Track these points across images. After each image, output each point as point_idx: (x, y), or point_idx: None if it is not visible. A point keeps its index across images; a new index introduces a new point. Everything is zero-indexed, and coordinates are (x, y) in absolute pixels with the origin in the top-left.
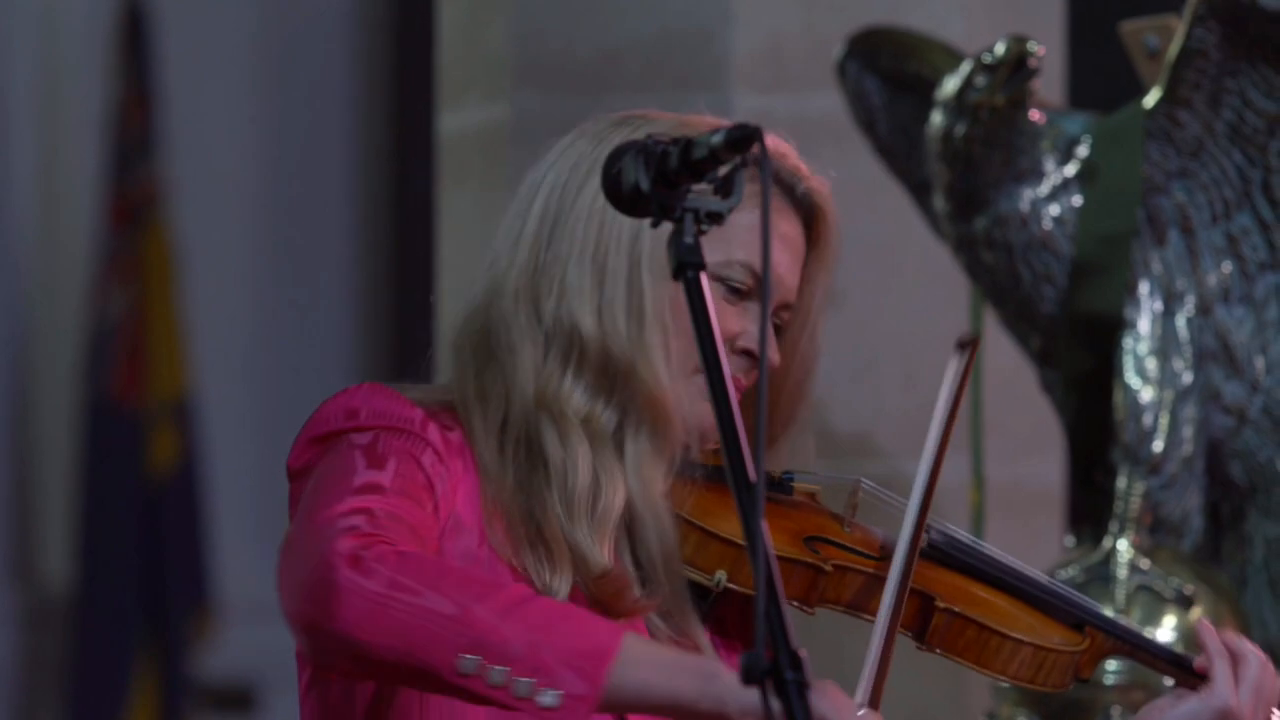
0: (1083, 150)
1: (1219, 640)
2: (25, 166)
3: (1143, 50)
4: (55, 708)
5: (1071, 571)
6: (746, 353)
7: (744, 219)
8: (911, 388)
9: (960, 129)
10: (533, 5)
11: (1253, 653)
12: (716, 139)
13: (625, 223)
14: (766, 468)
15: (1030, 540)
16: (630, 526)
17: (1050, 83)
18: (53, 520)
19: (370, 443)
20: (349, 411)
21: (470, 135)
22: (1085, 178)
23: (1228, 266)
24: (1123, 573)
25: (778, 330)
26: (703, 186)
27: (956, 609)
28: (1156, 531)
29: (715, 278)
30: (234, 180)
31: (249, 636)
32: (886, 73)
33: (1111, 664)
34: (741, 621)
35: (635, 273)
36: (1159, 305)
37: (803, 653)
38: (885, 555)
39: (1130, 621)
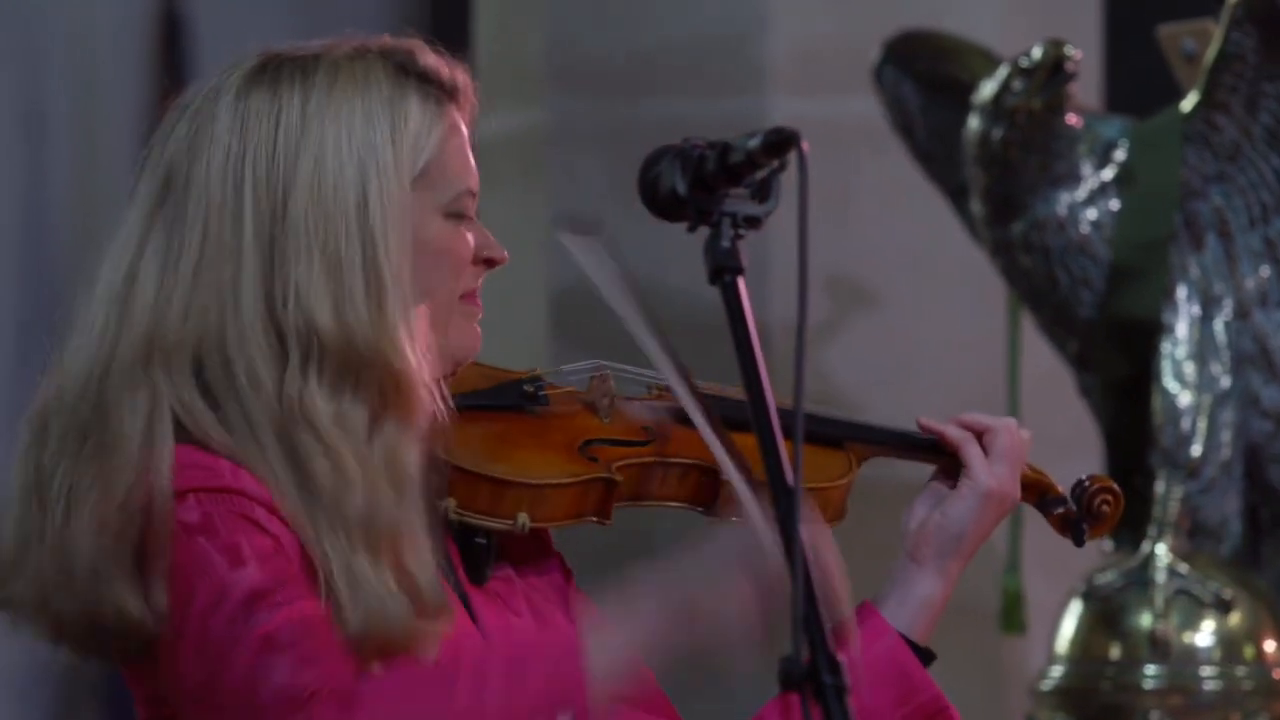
0: (1120, 154)
1: (957, 425)
2: (61, 173)
3: (1180, 54)
4: (100, 712)
5: (1110, 576)
6: (489, 261)
7: (452, 146)
8: (948, 390)
9: (997, 133)
10: (567, 10)
11: (999, 421)
12: (754, 143)
13: (350, 196)
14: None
15: (1068, 544)
16: None
17: (1087, 87)
18: None
19: (203, 521)
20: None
21: (506, 139)
22: (1123, 182)
23: (1265, 270)
24: (1161, 577)
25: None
26: (740, 190)
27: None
28: (1195, 536)
29: (449, 214)
30: None
31: None
32: (924, 77)
33: (1150, 669)
34: (532, 545)
35: (369, 250)
36: (1197, 309)
37: (841, 657)
38: (651, 437)
39: (874, 421)
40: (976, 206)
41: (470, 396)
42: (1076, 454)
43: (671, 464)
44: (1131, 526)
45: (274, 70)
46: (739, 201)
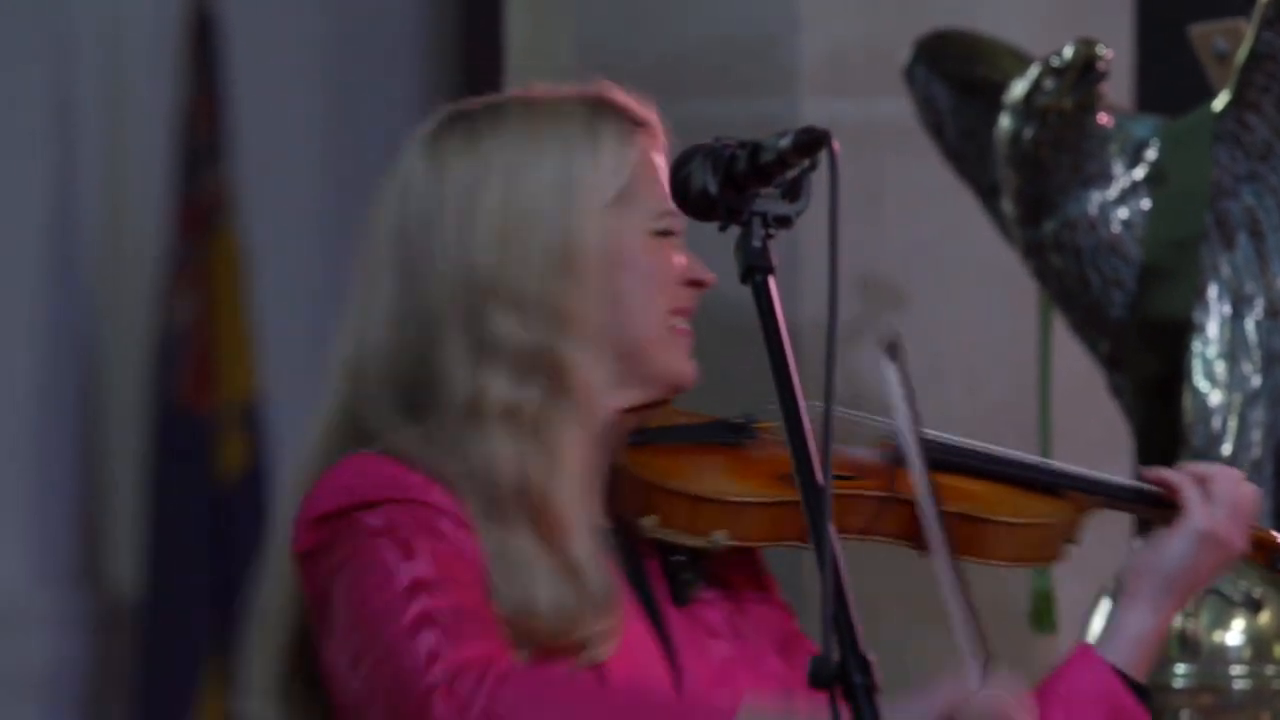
0: (1151, 154)
1: (1178, 471)
2: (93, 172)
3: (1211, 53)
4: (124, 712)
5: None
6: (697, 283)
7: (646, 170)
8: (975, 391)
9: (1028, 133)
10: (598, 12)
11: (1220, 469)
12: (785, 142)
13: (539, 217)
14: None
15: (1099, 543)
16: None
17: (1119, 86)
18: (122, 525)
19: (385, 526)
20: (345, 488)
21: None
22: (1154, 181)
23: None
24: None
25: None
26: (770, 190)
27: (945, 508)
28: None
29: (657, 233)
30: (302, 185)
31: None
32: (954, 77)
33: (1180, 668)
34: (746, 574)
35: (565, 261)
36: (1228, 309)
37: (871, 656)
38: (859, 473)
39: (1095, 471)
40: (1008, 206)
41: (677, 430)
42: (1109, 454)
43: (876, 497)
44: (1162, 525)
45: (467, 118)
46: (770, 201)
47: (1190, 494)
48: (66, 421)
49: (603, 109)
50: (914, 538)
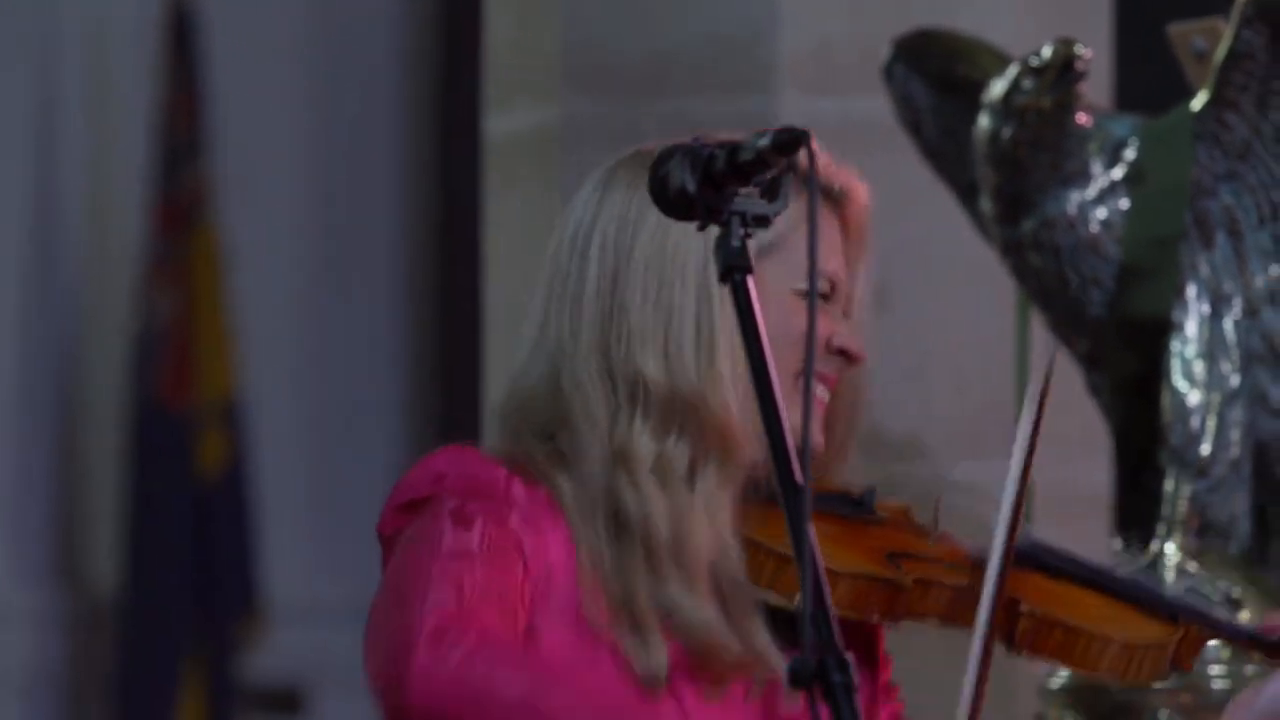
0: (1130, 153)
1: None
2: (73, 169)
3: (1190, 52)
4: (104, 710)
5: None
6: (841, 352)
7: (805, 227)
8: (960, 390)
9: (1007, 132)
10: (582, 9)
11: None
12: (764, 142)
13: (690, 257)
14: (846, 480)
15: (1077, 543)
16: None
17: (1098, 85)
18: (101, 522)
19: (458, 506)
20: (435, 476)
21: (519, 138)
22: (1133, 180)
23: (1275, 269)
24: (1170, 576)
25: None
26: (750, 189)
27: (1039, 611)
28: (1204, 534)
29: (800, 292)
30: (281, 182)
31: (298, 638)
32: (934, 75)
33: None
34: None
35: (704, 306)
36: (1206, 308)
37: (849, 655)
38: (970, 566)
39: (1221, 609)
40: (986, 205)
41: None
42: (1086, 453)
43: (976, 594)
44: (1140, 525)
45: (642, 157)
46: (748, 200)
47: None
48: (46, 419)
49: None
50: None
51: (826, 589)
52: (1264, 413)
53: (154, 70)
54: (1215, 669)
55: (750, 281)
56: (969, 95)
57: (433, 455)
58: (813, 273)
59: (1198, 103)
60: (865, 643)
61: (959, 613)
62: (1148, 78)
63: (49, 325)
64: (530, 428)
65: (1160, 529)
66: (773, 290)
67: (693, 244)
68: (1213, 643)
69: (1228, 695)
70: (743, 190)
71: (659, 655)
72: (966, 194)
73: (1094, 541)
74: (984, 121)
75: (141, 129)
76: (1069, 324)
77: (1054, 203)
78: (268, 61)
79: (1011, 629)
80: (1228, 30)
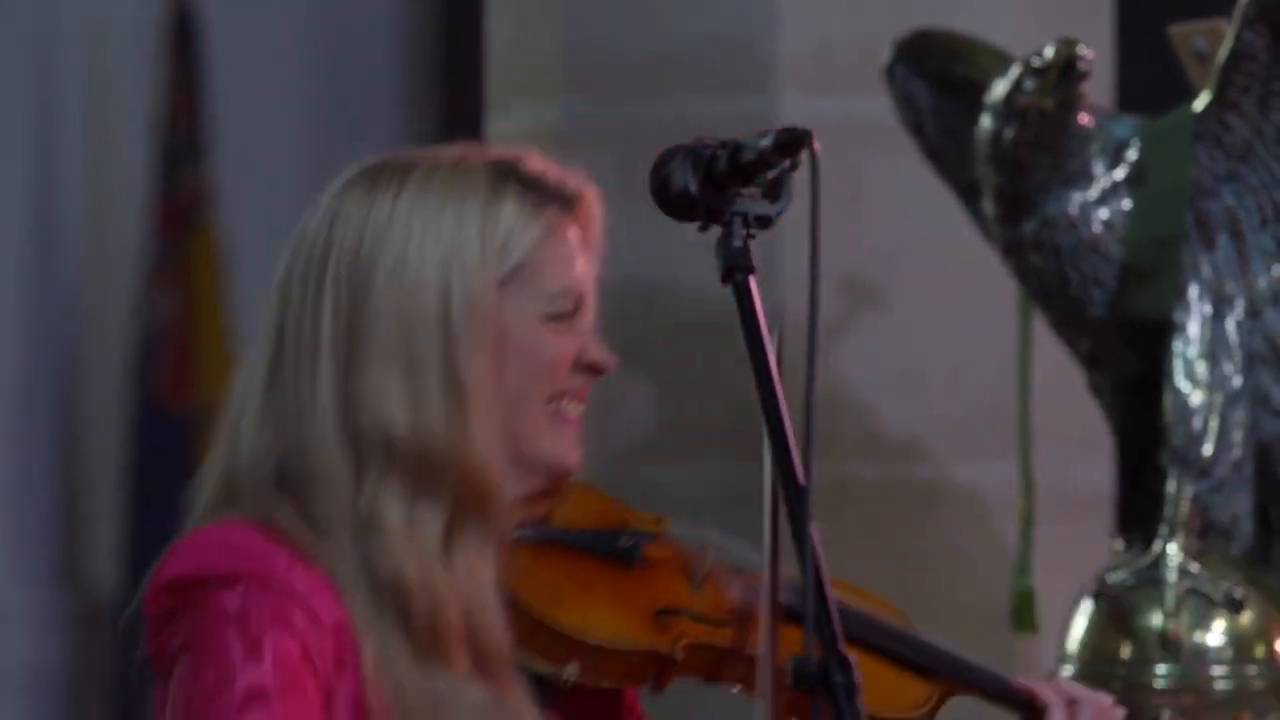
0: (1132, 154)
1: (1050, 689)
2: (73, 170)
3: (1191, 53)
4: (104, 710)
5: (1121, 575)
6: (592, 367)
7: (549, 248)
8: (959, 392)
9: (1009, 132)
10: (582, 9)
11: (1089, 695)
12: (765, 142)
13: (430, 298)
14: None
15: (1079, 544)
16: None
17: (1099, 86)
18: (102, 523)
19: (239, 611)
20: (206, 555)
21: (519, 139)
22: (1134, 181)
23: (1277, 270)
24: (1172, 576)
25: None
26: (751, 190)
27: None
28: (1206, 535)
29: (549, 316)
30: (282, 183)
31: None
32: (935, 76)
33: (1162, 668)
34: (594, 708)
35: (449, 350)
36: (1208, 309)
37: (851, 656)
38: (735, 618)
39: (968, 657)
40: (988, 205)
41: (564, 534)
42: (1088, 453)
43: (745, 655)
44: (1142, 525)
45: (373, 174)
46: (750, 201)
47: (1055, 716)
48: (46, 419)
49: (511, 179)
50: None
51: (829, 590)
52: (1266, 413)
53: (154, 71)
54: (1218, 669)
55: (753, 281)
56: (970, 95)
57: (202, 532)
58: (814, 276)
59: (1199, 104)
60: (609, 706)
61: (724, 670)
62: (1149, 78)
63: (49, 326)
64: (275, 497)
65: (1162, 529)
66: (516, 317)
67: (430, 278)
68: (1215, 643)
69: (1230, 695)
70: (744, 191)
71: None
72: (968, 194)
73: (1095, 541)
74: (986, 122)
75: (141, 130)
76: (1070, 324)
77: (1055, 203)
78: (268, 62)
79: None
80: (1229, 31)
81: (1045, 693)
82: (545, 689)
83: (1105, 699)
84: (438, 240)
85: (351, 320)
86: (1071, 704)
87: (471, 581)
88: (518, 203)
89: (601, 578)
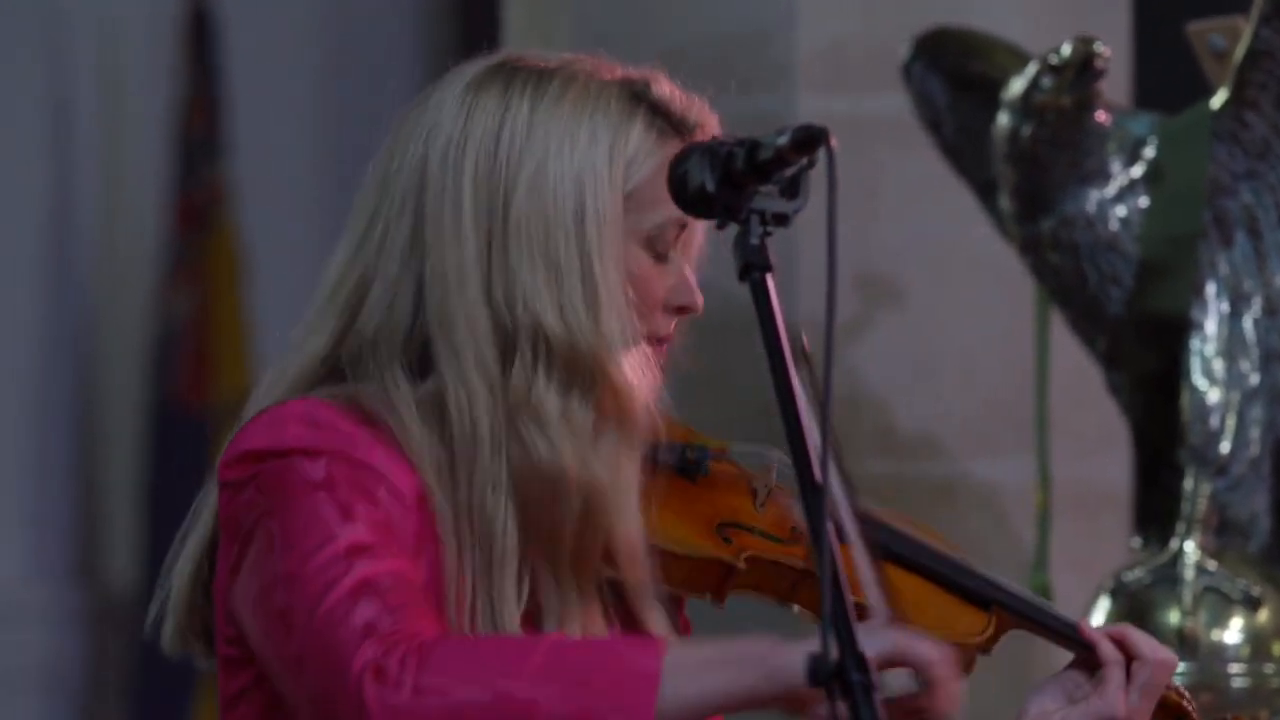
0: (1149, 151)
1: (1110, 639)
2: (90, 169)
3: (1209, 51)
4: (121, 708)
5: (1138, 573)
6: (681, 309)
7: (664, 179)
8: (973, 388)
9: (1026, 130)
10: (595, 8)
11: (1151, 651)
12: (783, 140)
13: (568, 210)
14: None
15: (1096, 541)
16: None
17: (1116, 84)
18: (118, 521)
19: (325, 480)
20: (290, 428)
21: None
22: (1151, 179)
23: None
24: (1189, 574)
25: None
26: (769, 188)
27: (859, 602)
28: (1223, 533)
29: (649, 244)
30: (298, 182)
31: None
32: (952, 73)
33: (1179, 665)
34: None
35: (587, 263)
36: (1226, 306)
37: (869, 653)
38: (797, 537)
39: (1033, 595)
40: (1005, 203)
41: (668, 458)
42: (1105, 450)
43: (806, 575)
44: (1159, 523)
45: (509, 73)
46: (767, 199)
47: (1115, 677)
48: (64, 417)
49: (642, 104)
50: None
51: (847, 590)
52: None
53: (171, 70)
54: (1235, 667)
55: (770, 279)
56: (987, 93)
57: (286, 405)
58: (831, 273)
59: (1217, 101)
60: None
61: (783, 590)
62: (1167, 76)
63: (66, 325)
64: (387, 355)
65: (1179, 527)
66: (626, 240)
67: (568, 190)
68: (1232, 641)
69: (1247, 693)
70: (762, 188)
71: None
72: (985, 192)
73: (1112, 539)
74: (1003, 119)
75: (158, 128)
76: (1088, 322)
77: (1073, 201)
78: (284, 60)
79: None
80: (1247, 29)
81: (1106, 649)
82: (606, 594)
83: (1167, 656)
84: (573, 155)
85: (493, 216)
86: (1132, 660)
87: (615, 481)
88: (645, 128)
89: (668, 487)
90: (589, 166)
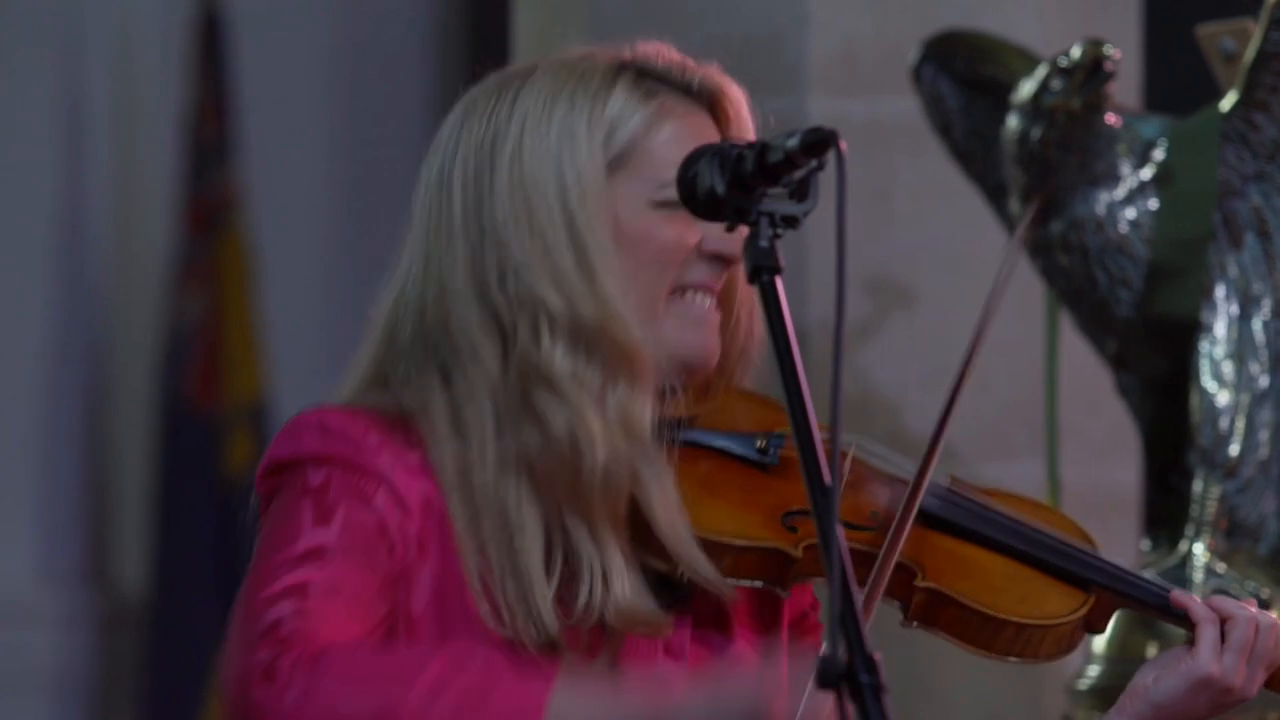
0: (1159, 154)
1: (1204, 604)
2: (101, 171)
3: (1219, 53)
4: (131, 711)
5: (1148, 575)
6: (716, 256)
7: (661, 133)
8: (985, 391)
9: (1036, 132)
10: (607, 10)
11: (1243, 612)
12: (792, 142)
13: (548, 180)
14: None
15: (1106, 543)
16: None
17: (1126, 86)
18: (129, 524)
19: (321, 485)
20: (301, 438)
21: None
22: (1161, 181)
23: None
24: (1199, 576)
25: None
26: (778, 190)
27: (935, 586)
28: (1233, 535)
29: (657, 203)
30: (309, 185)
31: None
32: (962, 76)
33: None
34: (720, 614)
35: (573, 228)
36: (1235, 309)
37: (878, 655)
38: (874, 523)
39: (1135, 573)
40: (1015, 206)
41: (704, 436)
42: (1115, 453)
43: (869, 556)
44: (1169, 525)
45: (502, 76)
46: (777, 201)
47: (1206, 634)
48: (74, 420)
49: (628, 69)
50: (900, 601)
51: (855, 590)
52: None
53: (182, 73)
54: None
55: (779, 282)
56: (997, 96)
57: (302, 416)
58: (841, 276)
59: (1226, 103)
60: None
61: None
62: (1176, 78)
63: (77, 327)
64: (417, 361)
65: (1189, 529)
66: (629, 204)
67: (547, 165)
68: None
69: (1256, 695)
70: (771, 191)
71: (549, 615)
72: (995, 195)
73: (1123, 541)
74: (1013, 122)
75: (169, 131)
76: (1098, 324)
77: (1083, 203)
78: (295, 63)
79: (907, 600)
80: (1257, 31)
81: (1197, 608)
82: (666, 589)
83: (1263, 616)
84: (550, 126)
85: (480, 212)
86: (1225, 620)
87: (627, 425)
88: (629, 89)
89: (736, 480)
90: (566, 133)
